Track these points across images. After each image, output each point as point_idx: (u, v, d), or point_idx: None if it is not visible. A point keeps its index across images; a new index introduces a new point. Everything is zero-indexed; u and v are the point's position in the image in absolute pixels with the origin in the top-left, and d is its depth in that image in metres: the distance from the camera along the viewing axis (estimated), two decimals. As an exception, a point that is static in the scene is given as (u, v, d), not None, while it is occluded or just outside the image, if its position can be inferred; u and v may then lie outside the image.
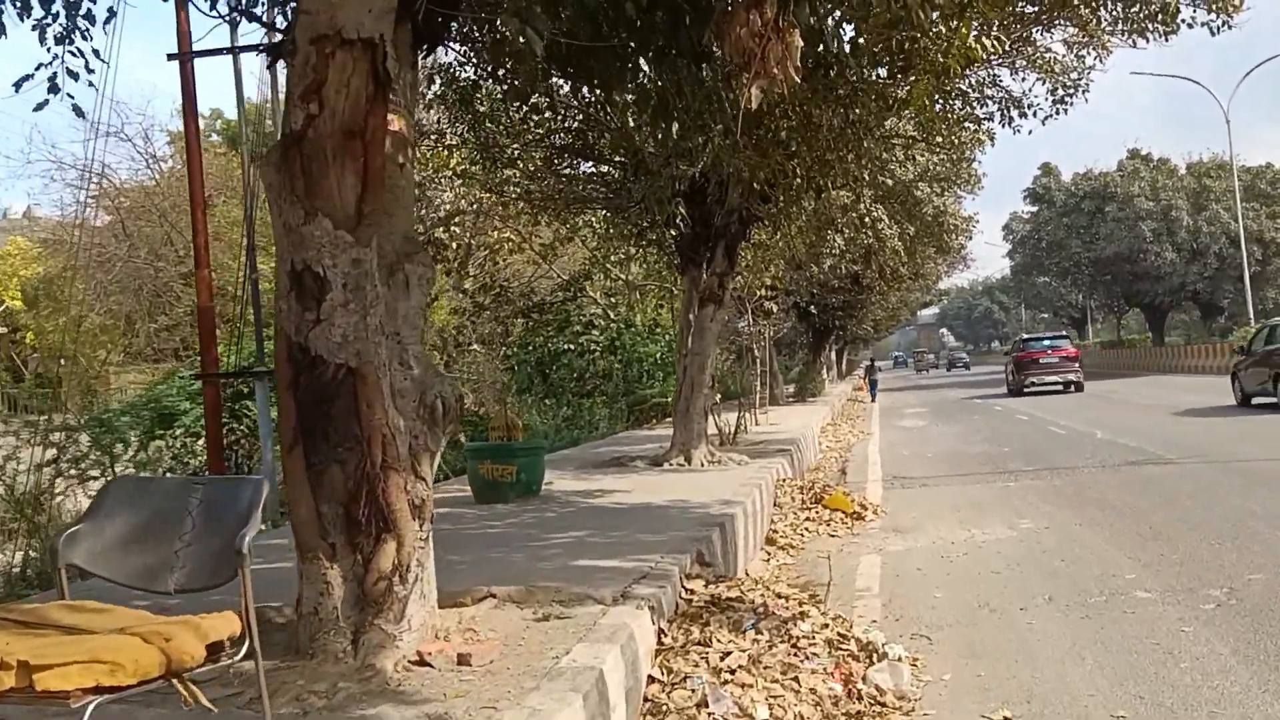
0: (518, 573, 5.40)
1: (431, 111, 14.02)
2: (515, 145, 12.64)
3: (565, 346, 18.61)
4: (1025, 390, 31.25)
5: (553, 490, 9.54)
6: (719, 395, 18.84)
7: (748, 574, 7.20)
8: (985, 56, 6.54)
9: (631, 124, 11.16)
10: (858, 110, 7.17)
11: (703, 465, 11.31)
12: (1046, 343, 33.36)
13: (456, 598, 4.77)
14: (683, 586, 5.30)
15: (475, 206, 19.82)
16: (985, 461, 14.22)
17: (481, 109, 12.02)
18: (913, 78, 6.96)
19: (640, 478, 10.42)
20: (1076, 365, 31.86)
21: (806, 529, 9.48)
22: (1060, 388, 31.23)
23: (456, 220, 18.95)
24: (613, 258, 18.49)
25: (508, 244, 19.89)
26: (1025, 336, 37.14)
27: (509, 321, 22.69)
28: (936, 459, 15.21)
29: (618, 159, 12.02)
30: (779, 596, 5.34)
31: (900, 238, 24.21)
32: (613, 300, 21.23)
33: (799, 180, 8.44)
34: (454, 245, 18.82)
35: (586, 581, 5.03)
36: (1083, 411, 22.60)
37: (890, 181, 24.54)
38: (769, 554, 8.56)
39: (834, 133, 7.15)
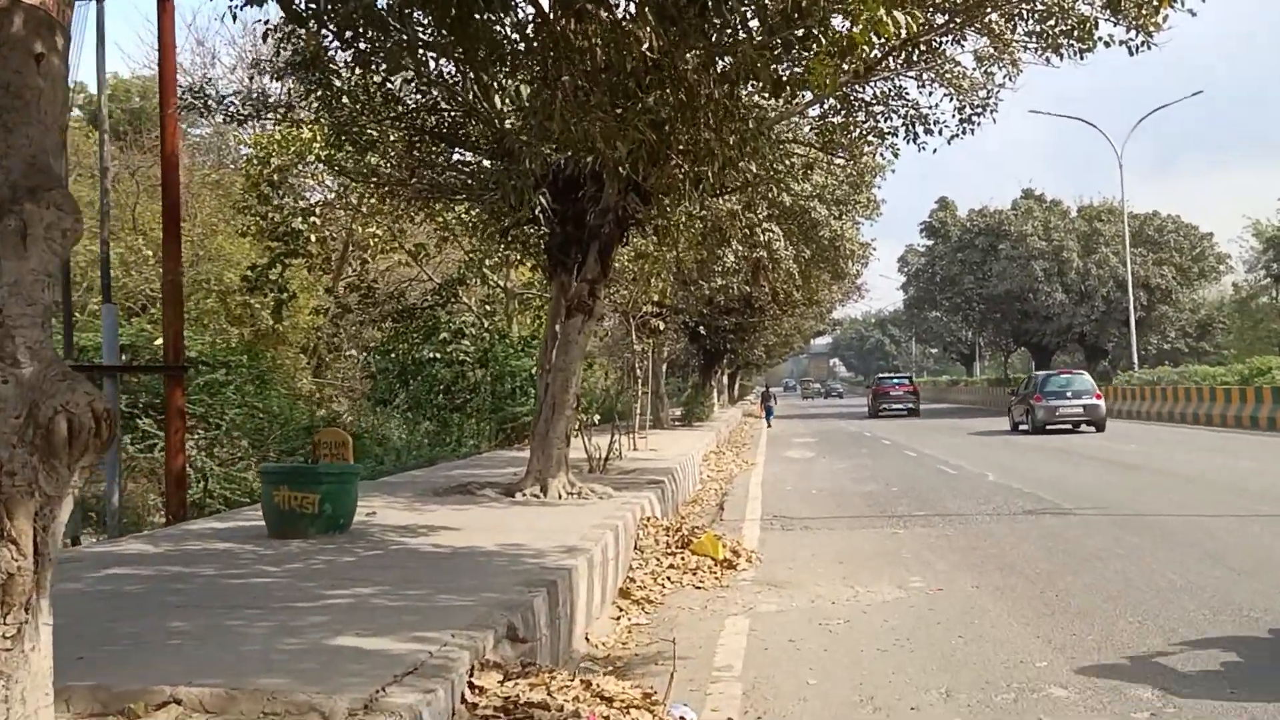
0: (241, 657, 3.93)
1: (282, 83, 12.44)
2: (372, 124, 11.15)
3: (431, 355, 16.99)
4: (879, 413, 43.26)
5: (371, 524, 8.02)
6: (597, 417, 17.49)
7: (577, 653, 5.83)
8: (896, 33, 5.32)
9: (498, 101, 9.82)
10: (744, 86, 5.90)
11: (560, 497, 9.91)
12: (895, 380, 47.49)
13: (125, 702, 3.29)
14: (469, 684, 3.89)
15: (342, 199, 18.16)
16: (873, 503, 13.13)
17: (338, 84, 10.51)
18: (814, 48, 5.70)
19: (482, 511, 8.96)
20: (915, 396, 44.70)
21: (669, 579, 8.16)
22: (904, 412, 43.49)
23: (318, 213, 17.23)
24: (488, 262, 17.02)
25: (376, 241, 18.23)
26: (880, 375, 52.24)
27: (378, 326, 20.97)
28: (822, 496, 14.09)
29: (483, 144, 10.64)
30: (601, 698, 3.97)
31: (795, 259, 23.33)
32: (489, 309, 19.73)
33: (677, 169, 7.17)
34: (314, 238, 17.07)
35: (327, 678, 3.59)
36: (971, 451, 21.91)
37: (786, 199, 23.68)
38: (620, 610, 7.21)
39: (716, 108, 5.89)
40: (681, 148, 6.72)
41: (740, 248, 17.85)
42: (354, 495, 7.41)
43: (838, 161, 22.69)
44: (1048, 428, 27.33)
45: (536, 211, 8.93)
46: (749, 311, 27.83)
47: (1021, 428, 28.80)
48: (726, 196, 11.86)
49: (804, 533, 10.77)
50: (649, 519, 9.32)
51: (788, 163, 12.68)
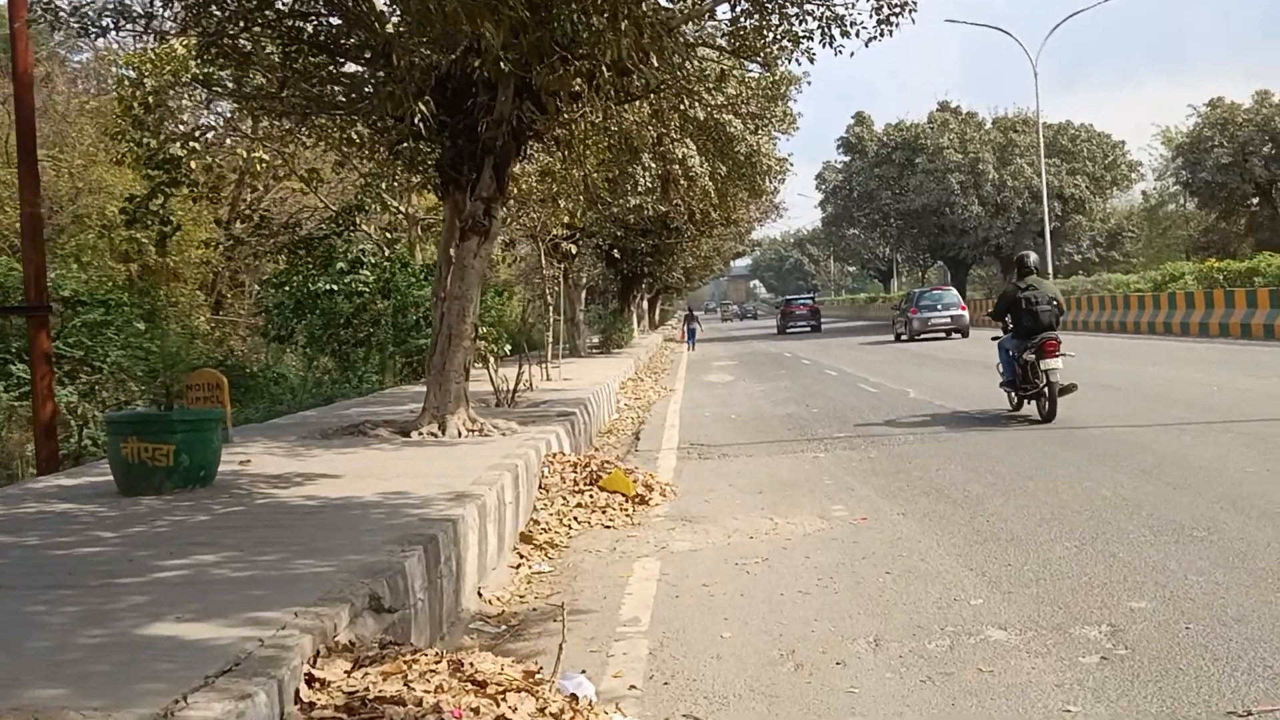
0: (22, 657, 3.20)
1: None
2: (245, 35, 10.08)
3: (327, 287, 15.96)
4: (786, 331, 49.14)
5: (241, 474, 7.22)
6: (508, 348, 16.70)
7: (466, 613, 5.18)
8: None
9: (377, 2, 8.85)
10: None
11: (459, 435, 9.19)
12: (800, 300, 53.70)
13: None
14: (308, 677, 3.20)
15: (226, 122, 16.90)
16: (793, 425, 12.66)
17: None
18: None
19: (371, 455, 8.21)
20: (816, 315, 50.40)
21: (576, 519, 7.56)
22: (808, 329, 48.55)
23: (198, 137, 15.94)
24: (383, 186, 15.98)
25: (263, 167, 16.99)
26: (788, 297, 60.50)
27: (273, 259, 19.78)
28: (741, 422, 13.59)
29: (365, 53, 9.66)
30: (472, 683, 3.32)
31: (711, 176, 22.61)
32: (391, 237, 18.68)
33: (568, 67, 6.37)
34: (195, 166, 15.79)
35: (119, 685, 2.88)
36: (892, 368, 21.65)
37: (699, 113, 22.83)
38: (521, 557, 6.59)
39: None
40: (568, 38, 5.92)
41: (652, 165, 17.05)
42: (216, 443, 6.60)
43: (751, 72, 21.97)
44: (919, 337, 32.16)
45: (417, 121, 8.03)
46: (666, 233, 27.11)
47: (902, 337, 33.38)
48: (633, 105, 11.02)
49: (722, 461, 10.24)
50: (555, 455, 8.66)
51: (698, 69, 11.91)
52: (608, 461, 8.86)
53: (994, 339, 12.04)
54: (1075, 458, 8.82)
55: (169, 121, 16.62)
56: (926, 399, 14.37)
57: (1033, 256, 11.77)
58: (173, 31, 11.85)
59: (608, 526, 7.40)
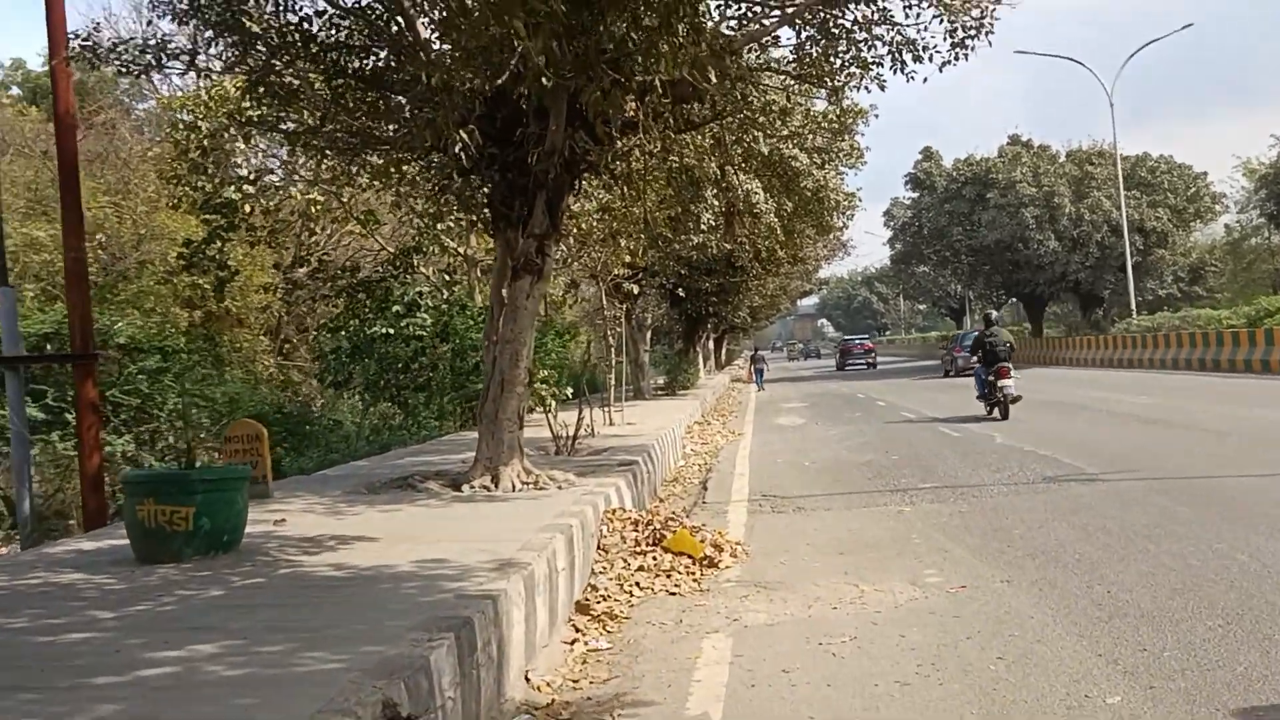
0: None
1: (185, 25, 10.90)
2: (290, 71, 9.68)
3: (383, 331, 15.51)
4: (845, 367, 54.61)
5: (272, 535, 6.62)
6: (569, 391, 16.07)
7: (511, 704, 4.47)
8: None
9: (422, 30, 8.37)
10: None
11: (514, 488, 8.53)
12: (857, 340, 61.57)
13: None
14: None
15: (282, 163, 16.65)
16: (873, 474, 11.79)
17: (247, 23, 9.08)
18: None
19: (415, 511, 7.58)
20: (872, 353, 56.14)
21: (638, 584, 6.82)
22: (864, 365, 54.98)
23: (250, 179, 15.67)
24: (440, 226, 15.53)
25: (318, 209, 16.67)
26: (845, 337, 68.08)
27: (332, 303, 19.44)
28: (816, 470, 12.74)
29: (411, 85, 9.16)
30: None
31: (777, 213, 21.93)
32: (449, 279, 18.26)
33: (621, 87, 5.74)
34: (249, 209, 15.52)
35: None
36: (957, 407, 20.62)
37: (764, 147, 22.22)
38: (578, 630, 5.86)
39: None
40: (616, 45, 5.29)
41: (715, 201, 16.38)
42: (240, 504, 6.00)
43: (818, 105, 21.26)
44: (964, 373, 31.75)
45: (459, 151, 7.47)
46: (731, 272, 26.40)
47: (950, 373, 35.05)
48: (693, 137, 10.38)
49: (797, 515, 9.44)
50: (615, 511, 7.94)
51: (762, 98, 11.23)
52: (672, 518, 8.10)
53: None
54: (1196, 515, 7.86)
55: (224, 166, 16.41)
56: (1015, 444, 13.41)
57: (994, 314, 20.11)
58: (219, 70, 11.54)
59: (672, 593, 6.66)
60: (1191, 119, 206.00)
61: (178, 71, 11.67)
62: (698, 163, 11.03)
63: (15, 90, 33.93)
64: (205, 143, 16.02)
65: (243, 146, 15.57)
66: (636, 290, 18.17)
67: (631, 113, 7.59)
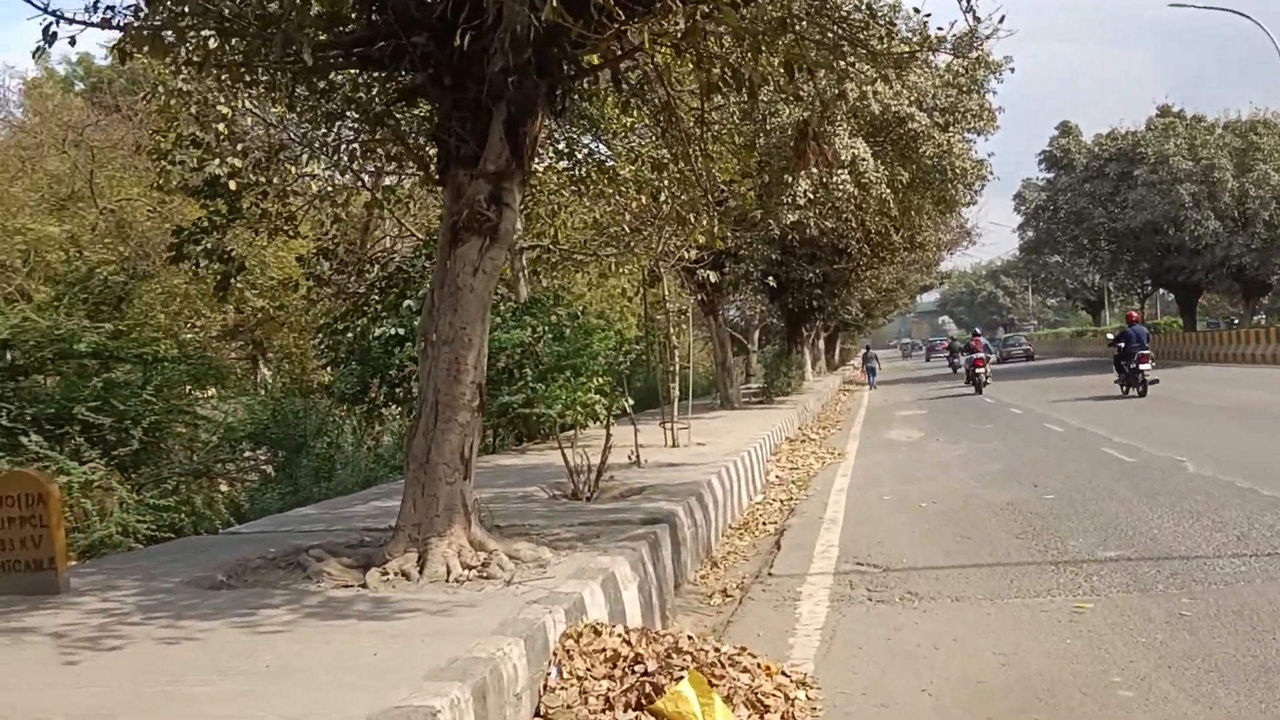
0: None
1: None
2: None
3: (393, 331, 12.54)
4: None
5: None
6: (629, 403, 12.80)
7: None
8: None
9: None
10: None
11: (448, 574, 5.33)
12: (939, 340, 65.93)
13: None
14: None
15: (275, 135, 13.82)
16: (1022, 526, 8.20)
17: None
18: None
19: (234, 639, 4.43)
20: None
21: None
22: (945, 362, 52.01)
23: (239, 152, 12.83)
24: (391, 179, 12.55)
25: (332, 190, 13.81)
26: (952, 336, 70.94)
27: (363, 298, 16.62)
28: (937, 516, 9.17)
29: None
30: None
31: (891, 184, 18.23)
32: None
33: None
34: (233, 186, 12.70)
35: None
36: (1122, 418, 16.58)
37: (874, 105, 18.43)
38: None
39: None
40: None
41: (817, 169, 12.80)
42: None
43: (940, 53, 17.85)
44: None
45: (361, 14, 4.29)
46: (837, 258, 22.76)
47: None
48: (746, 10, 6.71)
49: (907, 610, 5.97)
50: (582, 633, 4.60)
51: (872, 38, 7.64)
52: (678, 648, 4.68)
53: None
54: None
55: (210, 131, 13.55)
56: (1217, 475, 9.64)
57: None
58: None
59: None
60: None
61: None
62: (747, 56, 7.10)
63: (79, 85, 32.50)
64: (194, 110, 13.27)
65: (224, 109, 12.74)
66: (714, 278, 14.79)
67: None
